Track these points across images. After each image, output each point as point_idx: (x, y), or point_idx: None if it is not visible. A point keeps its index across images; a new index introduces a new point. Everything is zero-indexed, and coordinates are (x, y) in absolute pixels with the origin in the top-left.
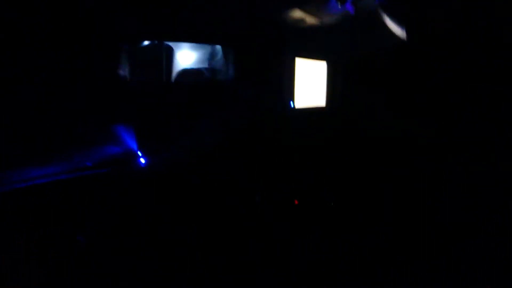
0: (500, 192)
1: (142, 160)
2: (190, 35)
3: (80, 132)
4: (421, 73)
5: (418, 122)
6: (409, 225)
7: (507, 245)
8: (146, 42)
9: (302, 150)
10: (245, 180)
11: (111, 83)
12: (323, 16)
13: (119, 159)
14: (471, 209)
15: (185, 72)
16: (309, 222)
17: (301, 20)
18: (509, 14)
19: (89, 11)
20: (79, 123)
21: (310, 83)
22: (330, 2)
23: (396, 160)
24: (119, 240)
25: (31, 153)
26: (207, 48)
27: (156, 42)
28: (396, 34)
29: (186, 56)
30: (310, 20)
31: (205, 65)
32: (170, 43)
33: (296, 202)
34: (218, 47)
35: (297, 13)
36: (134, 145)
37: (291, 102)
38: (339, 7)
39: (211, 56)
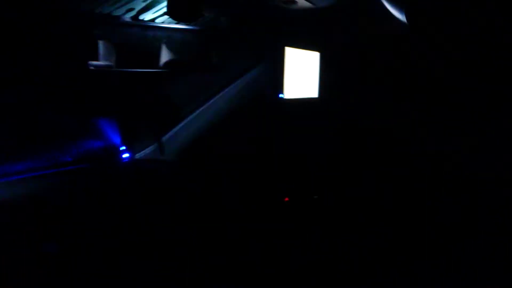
0: (500, 192)
1: (125, 155)
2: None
3: (60, 126)
4: (418, 64)
5: (414, 115)
6: (409, 225)
7: (507, 245)
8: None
9: (291, 142)
10: (231, 175)
11: (90, 76)
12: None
13: (100, 154)
14: (471, 209)
15: (170, 62)
16: (309, 222)
17: (293, 9)
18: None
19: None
20: (58, 117)
21: (302, 73)
22: None
23: (393, 157)
24: (101, 236)
25: (10, 148)
26: (192, 34)
27: (139, 30)
28: (392, 23)
29: (170, 44)
30: (302, 8)
31: (189, 54)
32: (153, 30)
33: (286, 199)
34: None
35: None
36: (116, 140)
37: (281, 93)
38: None
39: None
